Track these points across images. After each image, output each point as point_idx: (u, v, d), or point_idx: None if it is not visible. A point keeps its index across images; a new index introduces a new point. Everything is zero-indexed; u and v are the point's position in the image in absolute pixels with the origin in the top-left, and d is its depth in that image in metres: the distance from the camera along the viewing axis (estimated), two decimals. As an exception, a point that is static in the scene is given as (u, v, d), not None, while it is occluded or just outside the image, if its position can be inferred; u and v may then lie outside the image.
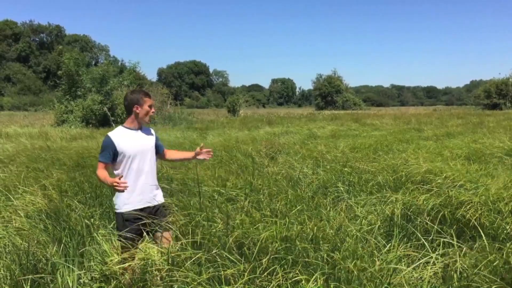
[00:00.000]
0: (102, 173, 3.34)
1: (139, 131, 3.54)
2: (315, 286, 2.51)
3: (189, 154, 3.87)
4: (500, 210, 3.92)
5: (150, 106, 3.51)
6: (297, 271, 2.64)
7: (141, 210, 3.42)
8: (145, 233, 3.40)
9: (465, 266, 2.89)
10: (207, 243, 3.05)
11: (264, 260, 2.69)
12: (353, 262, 2.70)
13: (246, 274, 2.57)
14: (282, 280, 2.55)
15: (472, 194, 4.25)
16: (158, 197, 3.56)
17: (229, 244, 2.94)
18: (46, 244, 3.61)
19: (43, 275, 3.21)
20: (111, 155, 3.39)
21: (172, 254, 2.94)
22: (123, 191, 3.16)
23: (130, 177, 3.42)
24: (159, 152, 3.72)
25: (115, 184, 3.12)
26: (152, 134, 3.66)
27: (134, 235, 3.30)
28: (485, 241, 3.15)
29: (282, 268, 2.66)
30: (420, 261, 2.99)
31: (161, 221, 3.38)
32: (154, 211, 3.48)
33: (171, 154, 3.87)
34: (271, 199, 4.36)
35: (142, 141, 3.51)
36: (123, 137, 3.44)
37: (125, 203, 3.42)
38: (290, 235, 3.03)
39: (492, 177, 5.12)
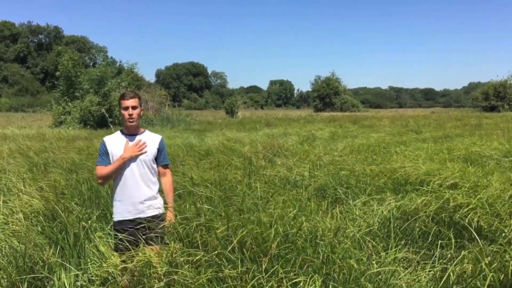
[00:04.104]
0: (102, 169, 3.22)
1: (136, 137, 3.31)
2: (313, 288, 2.48)
3: (168, 199, 3.47)
4: (498, 213, 3.91)
5: (124, 109, 3.25)
6: (296, 272, 2.61)
7: (131, 221, 3.22)
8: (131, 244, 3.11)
9: (463, 269, 2.88)
10: (207, 245, 3.01)
11: (264, 260, 2.65)
12: (350, 263, 2.69)
13: (247, 276, 2.54)
14: (284, 281, 2.52)
15: (469, 196, 4.24)
16: (152, 208, 3.27)
17: (231, 244, 2.90)
18: (43, 246, 3.59)
19: (39, 274, 3.19)
20: (108, 158, 3.27)
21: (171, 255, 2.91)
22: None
23: (119, 185, 3.27)
24: (157, 165, 3.42)
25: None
26: (152, 144, 3.36)
27: (123, 245, 3.08)
28: (483, 244, 3.14)
29: (282, 268, 2.63)
30: (418, 264, 2.99)
31: (151, 235, 3.09)
32: (147, 222, 3.17)
33: (165, 181, 3.48)
34: (267, 201, 4.34)
35: None
36: (115, 142, 3.30)
37: (115, 212, 3.31)
38: (291, 234, 3.00)
39: (490, 179, 5.10)
